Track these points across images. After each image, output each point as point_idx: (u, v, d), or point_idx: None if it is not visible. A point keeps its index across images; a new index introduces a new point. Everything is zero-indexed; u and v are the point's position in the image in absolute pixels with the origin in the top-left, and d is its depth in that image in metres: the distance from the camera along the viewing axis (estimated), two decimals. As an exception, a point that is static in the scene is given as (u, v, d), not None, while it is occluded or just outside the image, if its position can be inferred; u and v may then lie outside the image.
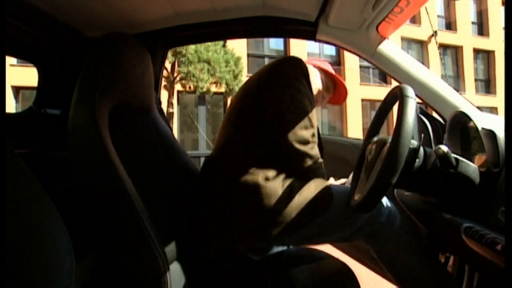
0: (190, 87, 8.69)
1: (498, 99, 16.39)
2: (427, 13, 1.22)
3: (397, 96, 0.84)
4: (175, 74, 8.75)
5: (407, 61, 1.10)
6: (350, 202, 0.90)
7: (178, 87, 9.28)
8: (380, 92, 14.43)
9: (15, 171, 0.58)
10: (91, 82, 0.85)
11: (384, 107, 0.95)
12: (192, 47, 7.89)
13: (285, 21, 1.14)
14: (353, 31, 1.08)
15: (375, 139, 1.02)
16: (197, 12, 1.12)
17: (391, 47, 1.10)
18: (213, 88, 9.00)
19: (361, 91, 14.52)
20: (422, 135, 0.73)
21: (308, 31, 1.16)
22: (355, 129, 14.09)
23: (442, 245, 1.18)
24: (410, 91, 0.73)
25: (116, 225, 0.78)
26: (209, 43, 7.87)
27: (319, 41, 1.18)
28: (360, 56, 1.14)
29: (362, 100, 14.55)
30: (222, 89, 9.13)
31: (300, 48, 13.26)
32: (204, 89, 8.50)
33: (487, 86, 17.09)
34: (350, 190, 1.01)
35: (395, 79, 1.12)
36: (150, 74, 1.06)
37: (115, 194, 0.76)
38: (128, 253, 0.78)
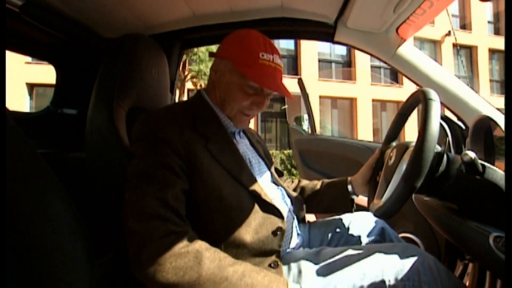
0: (201, 86, 8.73)
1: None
2: (447, 13, 1.19)
3: (418, 99, 0.82)
4: (186, 73, 8.78)
5: (427, 64, 1.08)
6: (369, 207, 0.88)
7: (189, 85, 9.30)
8: (391, 92, 14.27)
9: (38, 170, 0.59)
10: (109, 83, 0.86)
11: (404, 112, 0.93)
12: (203, 45, 7.94)
13: (303, 22, 1.13)
14: (372, 33, 1.07)
15: (394, 144, 1.00)
16: (214, 14, 1.12)
17: (411, 50, 1.08)
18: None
19: (372, 91, 14.38)
20: (448, 139, 0.72)
21: (326, 33, 1.15)
22: (365, 130, 13.98)
23: (461, 252, 1.15)
24: (434, 94, 0.72)
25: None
26: (218, 43, 7.89)
27: (337, 43, 1.17)
28: (378, 59, 1.12)
29: (373, 100, 14.42)
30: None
31: (310, 47, 13.21)
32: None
33: (503, 87, 16.70)
34: (368, 196, 1.00)
35: (414, 83, 1.10)
36: (166, 75, 1.07)
37: None
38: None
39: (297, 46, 13.51)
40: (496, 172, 0.69)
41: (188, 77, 8.91)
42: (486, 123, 0.82)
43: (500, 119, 0.79)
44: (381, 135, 14.61)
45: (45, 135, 1.36)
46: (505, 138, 0.44)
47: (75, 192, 0.72)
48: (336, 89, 13.72)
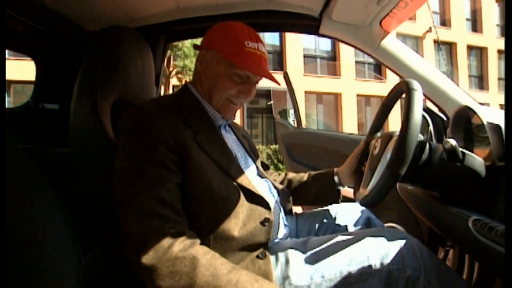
0: (186, 81, 8.68)
1: (491, 95, 16.60)
2: (429, 8, 1.22)
3: (402, 90, 0.84)
4: (171, 68, 8.66)
5: (410, 56, 1.10)
6: (356, 197, 0.90)
7: (174, 81, 9.19)
8: (375, 88, 14.51)
9: (20, 165, 0.58)
10: (92, 76, 0.84)
11: (388, 103, 0.95)
12: (188, 40, 7.85)
13: (288, 15, 1.14)
14: (357, 25, 1.08)
15: (378, 134, 1.02)
16: (199, 6, 1.11)
17: (394, 42, 1.10)
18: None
19: (357, 86, 14.59)
20: (430, 128, 0.74)
21: (311, 26, 1.16)
22: (350, 124, 14.19)
23: (442, 240, 1.20)
24: (416, 85, 0.74)
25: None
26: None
27: (322, 35, 1.18)
28: (362, 51, 1.14)
29: (357, 95, 14.64)
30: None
31: (296, 43, 13.27)
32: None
33: (480, 82, 17.26)
34: (354, 186, 1.02)
35: (397, 75, 1.13)
36: (151, 68, 1.06)
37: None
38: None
39: (282, 41, 13.54)
40: (475, 159, 0.72)
41: (173, 73, 8.80)
42: (465, 113, 0.85)
43: (478, 109, 0.82)
44: (365, 129, 14.88)
45: (25, 131, 1.33)
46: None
47: (59, 187, 0.71)
48: (321, 84, 13.84)
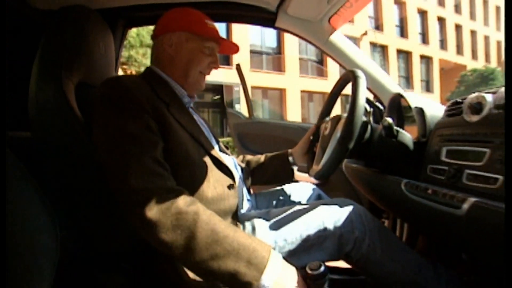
0: (131, 73, 8.28)
1: (415, 94, 18.65)
2: (367, 13, 1.39)
3: (348, 79, 0.97)
4: (116, 59, 8.20)
5: (354, 51, 1.26)
6: (309, 173, 1.02)
7: (119, 72, 8.73)
8: (317, 84, 15.26)
9: None
10: (55, 55, 0.82)
11: (336, 90, 1.08)
12: (134, 31, 7.47)
13: (246, 7, 1.20)
14: (309, 21, 1.20)
15: (327, 119, 1.16)
16: (160, -8, 1.13)
17: (341, 38, 1.24)
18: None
19: (300, 82, 15.20)
20: (372, 110, 0.87)
21: (268, 19, 1.24)
22: (294, 119, 14.75)
23: (380, 213, 1.39)
24: (361, 73, 0.87)
25: (96, 199, 0.78)
26: (151, 27, 7.52)
27: (278, 28, 1.27)
28: (313, 45, 1.26)
29: (301, 91, 15.27)
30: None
31: (242, 39, 13.36)
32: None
33: (407, 82, 19.23)
34: (307, 165, 1.14)
35: (343, 67, 1.27)
36: (112, 52, 1.05)
37: (94, 167, 0.76)
38: (107, 225, 0.80)
39: (229, 36, 13.51)
40: (406, 135, 0.87)
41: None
42: (398, 98, 1.01)
43: (408, 95, 0.98)
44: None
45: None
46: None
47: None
48: (267, 80, 14.16)
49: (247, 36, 13.48)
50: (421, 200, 0.70)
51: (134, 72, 8.16)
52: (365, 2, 1.08)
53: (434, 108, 0.93)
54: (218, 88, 12.54)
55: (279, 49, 14.92)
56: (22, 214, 0.57)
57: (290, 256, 0.81)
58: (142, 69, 8.02)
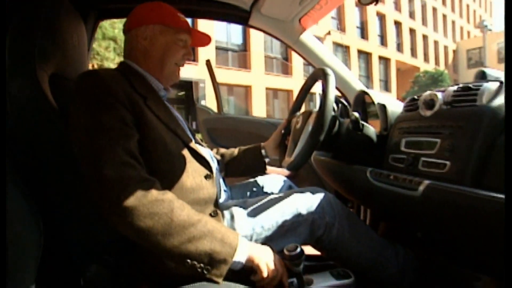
0: (93, 66, 7.87)
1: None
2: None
3: (318, 75, 1.04)
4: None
5: (322, 50, 1.34)
6: (282, 165, 1.08)
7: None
8: (282, 82, 15.51)
9: None
10: (28, 45, 0.80)
11: (306, 87, 1.15)
12: (95, 23, 7.11)
13: (221, 5, 1.24)
14: (281, 21, 1.26)
15: (298, 113, 1.23)
16: (135, -15, 1.12)
17: (310, 38, 1.32)
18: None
19: (266, 80, 15.35)
20: (340, 105, 0.95)
21: (241, 17, 1.29)
22: (259, 115, 14.90)
23: (345, 202, 1.49)
24: (330, 71, 0.94)
25: (75, 190, 0.78)
26: (115, 20, 7.20)
27: (251, 26, 1.32)
28: (285, 43, 1.33)
29: (266, 88, 15.44)
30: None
31: (207, 33, 13.18)
32: (111, 70, 7.77)
33: (367, 81, 20.19)
34: (279, 157, 1.20)
35: (311, 65, 1.35)
36: (84, 44, 1.04)
37: (72, 157, 0.76)
38: (87, 216, 0.80)
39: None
40: (370, 128, 0.96)
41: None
42: (362, 95, 1.11)
43: (372, 92, 1.08)
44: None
45: None
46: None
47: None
48: (233, 76, 14.15)
49: (213, 32, 13.35)
50: (384, 186, 0.79)
51: (96, 66, 7.77)
52: (334, 5, 1.16)
53: (394, 104, 1.03)
54: (183, 84, 12.32)
55: (245, 46, 14.96)
56: (7, 209, 0.58)
57: (267, 242, 0.87)
58: (105, 62, 7.60)
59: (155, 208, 0.66)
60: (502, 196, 0.51)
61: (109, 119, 0.71)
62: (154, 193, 0.67)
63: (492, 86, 0.66)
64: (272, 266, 0.74)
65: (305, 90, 1.15)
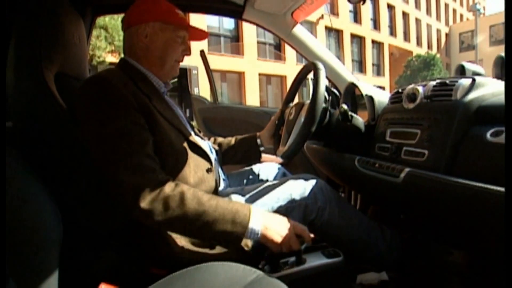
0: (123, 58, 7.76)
1: (368, 78, 19.66)
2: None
3: (310, 69, 1.10)
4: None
5: (313, 43, 1.39)
6: (276, 154, 1.15)
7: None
8: (275, 67, 15.43)
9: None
10: (33, 47, 0.83)
11: (299, 79, 1.21)
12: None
13: (216, 0, 1.28)
14: (274, 15, 1.30)
15: (291, 104, 1.29)
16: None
17: (302, 31, 1.37)
18: (110, 58, 8.23)
19: (259, 66, 15.25)
20: (330, 98, 1.01)
21: (236, 11, 1.32)
22: (253, 102, 14.87)
23: (337, 187, 1.57)
24: (321, 65, 1.00)
25: (83, 183, 0.83)
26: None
27: (245, 20, 1.36)
28: (278, 36, 1.37)
29: (260, 74, 15.36)
30: (120, 59, 8.50)
31: (199, 21, 12.99)
32: (102, 59, 7.68)
33: (360, 66, 20.15)
34: (274, 146, 1.27)
35: (304, 57, 1.40)
36: (84, 42, 1.07)
37: (80, 151, 0.81)
38: (95, 206, 0.86)
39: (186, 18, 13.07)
40: (358, 119, 1.03)
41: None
42: (352, 87, 1.17)
43: (361, 85, 1.14)
44: (267, 106, 15.86)
45: None
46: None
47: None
48: (225, 63, 14.04)
49: (204, 18, 13.14)
50: (370, 173, 0.86)
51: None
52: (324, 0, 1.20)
53: (381, 95, 1.10)
54: (175, 71, 12.20)
55: (237, 32, 14.78)
56: (28, 201, 0.64)
57: None
58: (96, 52, 7.43)
59: (167, 204, 0.73)
60: (470, 182, 0.59)
61: (125, 124, 0.76)
62: (165, 191, 0.74)
63: (466, 82, 0.73)
64: (284, 231, 0.78)
65: (298, 82, 1.21)
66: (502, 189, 0.53)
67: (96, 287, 0.78)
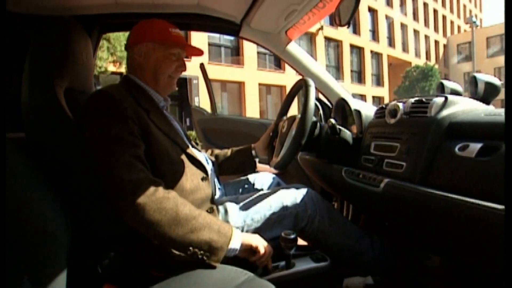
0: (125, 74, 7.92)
1: (367, 88, 19.82)
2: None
3: (301, 85, 1.17)
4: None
5: (306, 59, 1.47)
6: (270, 164, 1.21)
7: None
8: (275, 77, 15.58)
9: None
10: (46, 65, 0.90)
11: (291, 94, 1.28)
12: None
13: (214, 19, 1.35)
14: (269, 33, 1.38)
15: (285, 118, 1.36)
16: (136, 4, 1.23)
17: (296, 48, 1.45)
18: (111, 68, 8.42)
19: (258, 76, 15.42)
20: (320, 112, 1.09)
21: (233, 30, 1.41)
22: (253, 111, 14.97)
23: (329, 198, 1.64)
24: (311, 82, 1.07)
25: (89, 190, 0.90)
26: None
27: (242, 38, 1.44)
28: (273, 53, 1.45)
29: (259, 84, 15.52)
30: (122, 69, 8.66)
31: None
32: (103, 69, 7.84)
33: (359, 76, 20.33)
34: (268, 157, 1.33)
35: (297, 72, 1.48)
36: (91, 59, 1.15)
37: (88, 161, 0.88)
38: (98, 213, 0.91)
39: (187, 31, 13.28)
40: (346, 132, 1.10)
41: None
42: (342, 102, 1.24)
43: (350, 100, 1.21)
44: (266, 115, 15.99)
45: None
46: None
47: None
48: (226, 73, 14.21)
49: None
50: (355, 183, 0.93)
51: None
52: (316, 20, 1.28)
53: (368, 109, 1.17)
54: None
55: (237, 42, 14.98)
56: (42, 208, 0.70)
57: (256, 232, 1.00)
58: (98, 62, 7.52)
59: (162, 204, 0.79)
60: (440, 192, 0.65)
61: (120, 131, 0.84)
62: (160, 191, 0.80)
63: (439, 100, 0.80)
64: (265, 246, 0.88)
65: (291, 97, 1.29)
66: (470, 199, 0.59)
67: (100, 288, 0.84)
